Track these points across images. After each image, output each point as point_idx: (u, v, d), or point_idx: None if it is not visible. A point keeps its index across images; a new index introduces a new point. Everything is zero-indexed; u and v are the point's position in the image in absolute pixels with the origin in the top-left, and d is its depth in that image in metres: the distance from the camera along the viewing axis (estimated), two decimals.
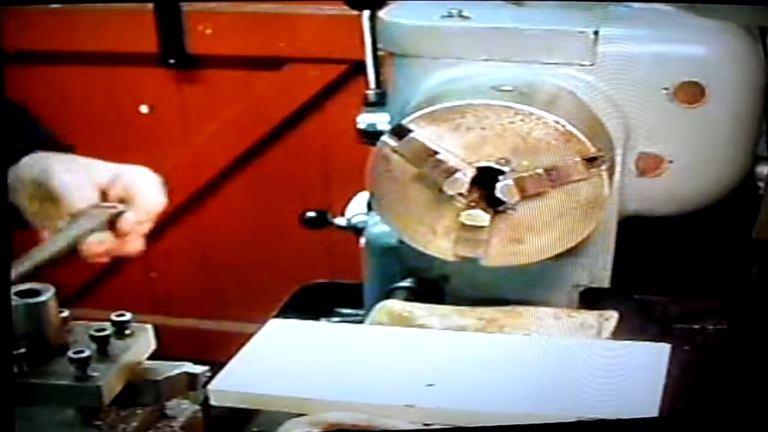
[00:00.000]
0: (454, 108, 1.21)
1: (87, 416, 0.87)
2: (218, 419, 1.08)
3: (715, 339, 1.27)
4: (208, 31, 2.56)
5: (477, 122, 1.20)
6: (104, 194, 1.27)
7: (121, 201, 1.27)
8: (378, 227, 1.39)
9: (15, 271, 1.09)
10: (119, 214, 1.25)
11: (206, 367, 0.95)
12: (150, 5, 2.49)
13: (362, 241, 1.45)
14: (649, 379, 1.10)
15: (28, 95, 1.41)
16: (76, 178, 1.26)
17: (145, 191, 1.28)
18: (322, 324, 1.29)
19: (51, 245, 1.19)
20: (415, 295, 1.34)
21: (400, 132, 1.22)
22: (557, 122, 1.20)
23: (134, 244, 1.27)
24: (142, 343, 0.91)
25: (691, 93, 1.25)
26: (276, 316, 1.27)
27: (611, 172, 1.24)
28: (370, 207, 1.41)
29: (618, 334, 1.24)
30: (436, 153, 1.21)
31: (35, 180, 1.27)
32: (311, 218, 1.60)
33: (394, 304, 1.31)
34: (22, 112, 1.46)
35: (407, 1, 1.36)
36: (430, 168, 1.22)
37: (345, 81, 2.54)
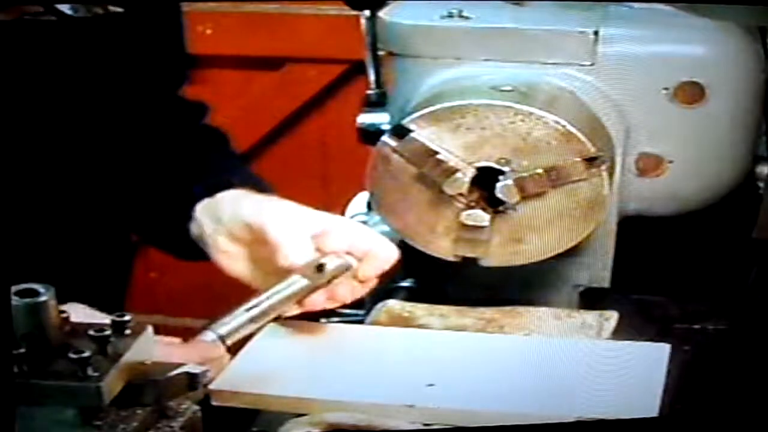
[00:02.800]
0: (454, 108, 1.21)
1: (87, 416, 0.87)
2: (218, 419, 1.08)
3: (715, 339, 1.26)
4: (208, 31, 2.55)
5: (477, 122, 1.20)
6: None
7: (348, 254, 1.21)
8: (378, 227, 1.39)
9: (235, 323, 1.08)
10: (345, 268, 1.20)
11: (206, 367, 0.95)
12: None
13: None
14: (649, 379, 1.10)
15: None
16: (293, 230, 1.19)
17: (379, 246, 1.22)
18: (322, 324, 1.29)
19: (271, 305, 1.13)
20: (415, 295, 1.34)
21: (400, 132, 1.22)
22: (557, 122, 1.20)
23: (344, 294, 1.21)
24: (142, 343, 0.90)
25: (691, 93, 1.25)
26: (276, 317, 1.27)
27: (611, 172, 1.24)
28: (370, 207, 1.41)
29: (618, 334, 1.24)
30: (436, 153, 1.21)
31: (244, 222, 1.22)
32: None
33: (394, 304, 1.31)
34: (219, 138, 1.44)
35: (407, 1, 1.36)
36: (430, 168, 1.22)
37: (345, 81, 2.54)
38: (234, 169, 1.37)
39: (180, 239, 1.31)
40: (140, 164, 1.34)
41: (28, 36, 1.18)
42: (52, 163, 1.25)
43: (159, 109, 1.35)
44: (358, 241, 1.21)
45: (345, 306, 1.35)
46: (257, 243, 1.21)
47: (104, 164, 1.30)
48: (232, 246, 1.24)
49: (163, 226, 1.35)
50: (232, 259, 1.25)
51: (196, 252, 1.30)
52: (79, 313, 1.06)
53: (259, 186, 1.31)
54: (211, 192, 1.28)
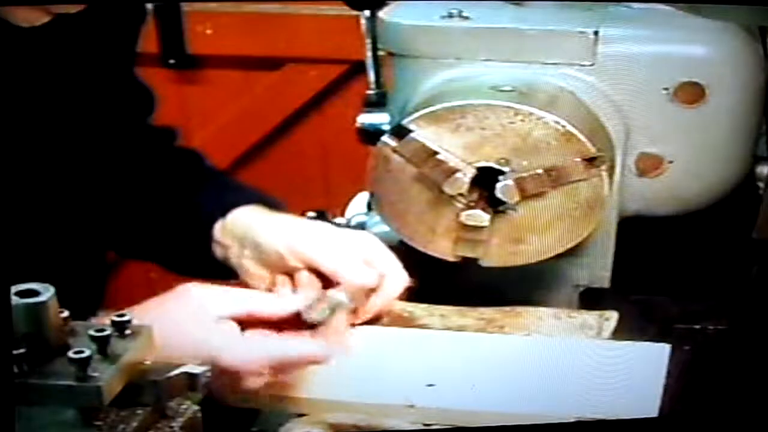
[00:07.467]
0: (454, 108, 1.21)
1: (87, 416, 0.87)
2: (218, 419, 1.08)
3: (715, 339, 1.26)
4: (208, 31, 2.55)
5: (477, 122, 1.20)
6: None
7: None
8: (378, 227, 1.39)
9: None
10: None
11: (206, 367, 0.95)
12: (150, 5, 2.49)
13: None
14: (649, 379, 1.10)
15: None
16: (348, 257, 1.21)
17: (394, 276, 1.23)
18: None
19: None
20: (415, 295, 1.34)
21: (400, 132, 1.22)
22: (557, 122, 1.20)
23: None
24: (142, 343, 0.90)
25: (691, 93, 1.25)
26: None
27: (611, 172, 1.24)
28: (370, 207, 1.41)
29: (618, 334, 1.24)
30: (436, 153, 1.21)
31: (277, 251, 1.23)
32: (311, 218, 1.60)
33: (394, 304, 1.31)
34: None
35: (407, 1, 1.36)
36: (430, 168, 1.22)
37: (345, 81, 2.54)
38: (230, 185, 1.39)
39: (200, 261, 1.31)
40: (120, 190, 1.33)
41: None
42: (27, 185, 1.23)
43: (128, 136, 1.34)
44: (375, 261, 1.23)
45: None
46: (293, 269, 1.23)
47: (80, 192, 1.28)
48: (261, 270, 1.25)
49: (181, 252, 1.35)
50: (260, 282, 1.25)
51: (219, 271, 1.30)
52: None
53: (265, 200, 1.32)
54: (222, 212, 1.29)
